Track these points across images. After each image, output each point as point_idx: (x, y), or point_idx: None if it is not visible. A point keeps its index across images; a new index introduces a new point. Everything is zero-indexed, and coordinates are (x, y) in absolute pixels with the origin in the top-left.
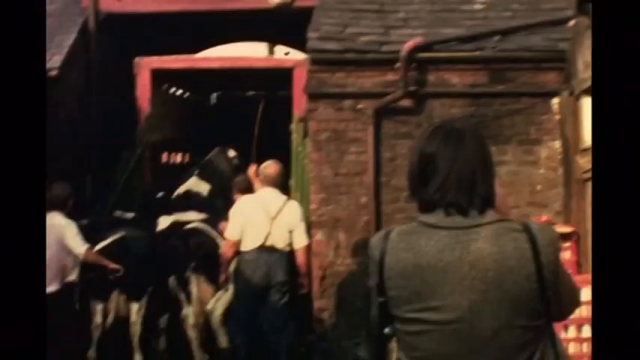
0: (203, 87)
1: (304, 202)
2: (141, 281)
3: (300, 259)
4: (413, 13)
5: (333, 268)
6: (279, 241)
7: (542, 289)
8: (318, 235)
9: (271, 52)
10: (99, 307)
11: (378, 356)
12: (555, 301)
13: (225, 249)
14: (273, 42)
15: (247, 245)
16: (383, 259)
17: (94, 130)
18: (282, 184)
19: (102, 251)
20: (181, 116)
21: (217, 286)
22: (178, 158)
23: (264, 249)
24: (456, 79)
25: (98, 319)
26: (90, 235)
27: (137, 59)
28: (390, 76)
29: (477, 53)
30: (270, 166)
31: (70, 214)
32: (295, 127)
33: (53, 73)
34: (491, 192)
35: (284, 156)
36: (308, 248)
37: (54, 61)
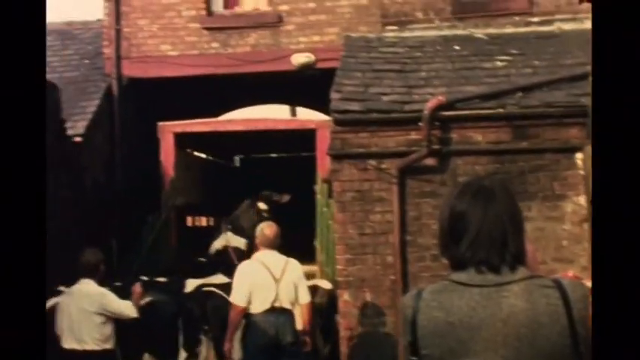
0: (226, 149)
1: (330, 262)
2: (168, 343)
3: (304, 316)
4: (434, 72)
5: (360, 329)
6: (286, 301)
7: (576, 345)
8: (345, 296)
9: (293, 113)
10: None
11: None
12: (589, 356)
13: (232, 315)
14: (295, 104)
15: (256, 308)
16: (415, 317)
17: (119, 194)
18: (279, 244)
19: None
20: (205, 179)
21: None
22: (203, 221)
23: (273, 311)
24: (479, 137)
25: None
26: (121, 297)
27: (160, 123)
28: (414, 135)
29: (500, 110)
30: (268, 228)
31: (102, 281)
32: (319, 188)
33: (78, 138)
34: (521, 248)
35: (308, 217)
36: (311, 305)
37: (79, 127)
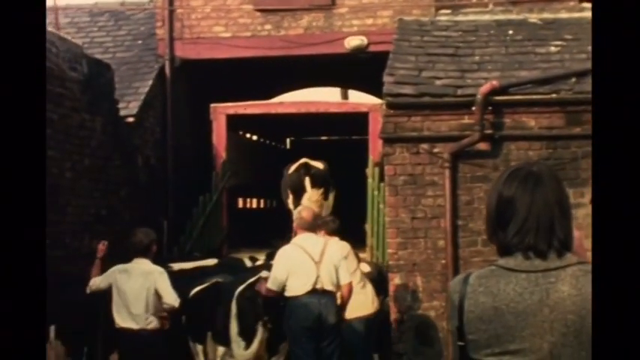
0: (277, 132)
1: (380, 246)
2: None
3: (344, 296)
4: (488, 57)
5: (411, 312)
6: (328, 283)
7: None
8: (396, 279)
9: (345, 96)
10: (199, 348)
11: None
12: None
13: (264, 292)
14: (347, 87)
15: (298, 290)
16: (462, 302)
17: (170, 175)
18: (315, 227)
19: (197, 294)
20: (256, 161)
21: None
22: (254, 203)
23: (315, 292)
24: (532, 122)
25: (201, 358)
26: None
27: (213, 105)
28: (466, 120)
29: (553, 95)
30: (305, 211)
31: (154, 260)
32: (370, 172)
33: (130, 119)
34: (569, 235)
35: (359, 201)
36: (350, 285)
37: (131, 107)
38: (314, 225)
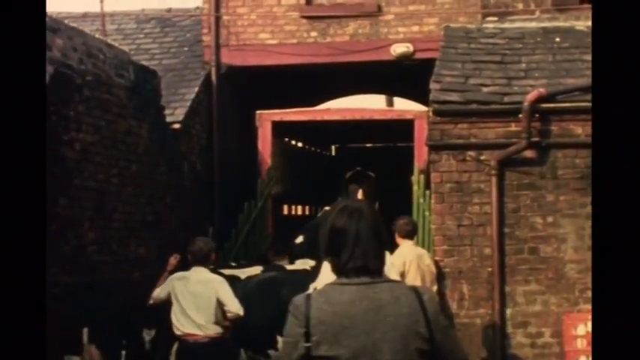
0: (323, 139)
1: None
2: None
3: None
4: (534, 64)
5: (457, 320)
6: None
7: (430, 333)
8: (442, 287)
9: (391, 103)
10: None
11: None
12: (441, 344)
13: None
14: (393, 94)
15: None
16: (308, 313)
17: (216, 181)
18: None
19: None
20: (302, 168)
21: None
22: (299, 210)
23: None
24: (579, 130)
25: None
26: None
27: (259, 112)
28: (513, 127)
29: None
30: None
31: (213, 269)
32: (416, 179)
33: (177, 125)
34: (383, 257)
35: (404, 208)
36: None
37: (177, 114)
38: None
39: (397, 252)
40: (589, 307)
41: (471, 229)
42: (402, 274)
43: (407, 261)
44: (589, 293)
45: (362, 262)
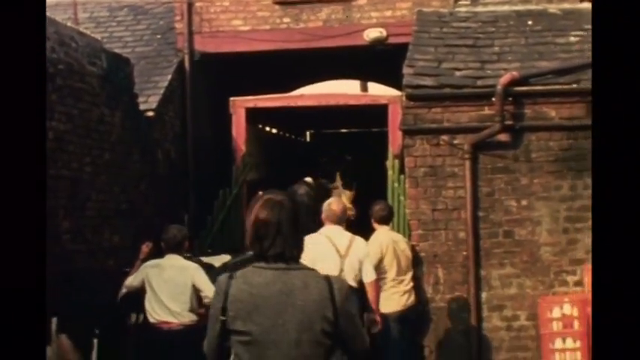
0: (297, 125)
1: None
2: None
3: (371, 293)
4: (507, 47)
5: (432, 304)
6: (351, 279)
7: (336, 319)
8: (417, 271)
9: (365, 88)
10: None
11: None
12: (345, 329)
13: None
14: (367, 79)
15: None
16: (227, 290)
17: (190, 169)
18: (345, 221)
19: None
20: (277, 154)
21: None
22: None
23: None
24: (552, 112)
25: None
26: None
27: (232, 98)
28: (487, 111)
29: (574, 86)
30: (335, 203)
31: (188, 257)
32: (391, 164)
33: (150, 113)
34: (301, 246)
35: (379, 193)
36: (376, 283)
37: (151, 101)
38: (342, 219)
39: (373, 237)
40: (564, 289)
41: (446, 213)
42: (380, 259)
43: (383, 246)
44: (564, 276)
45: (281, 249)
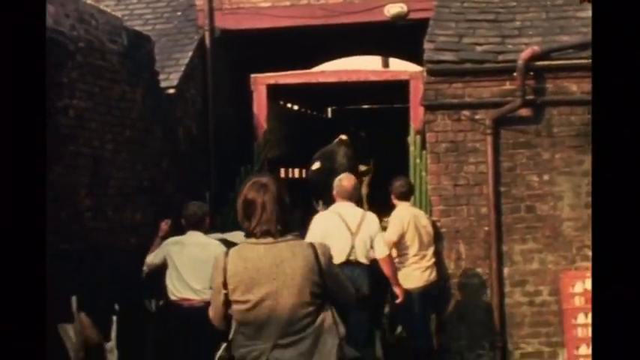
0: (318, 101)
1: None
2: None
3: (387, 269)
4: (528, 22)
5: (454, 280)
6: (362, 256)
7: (323, 280)
8: (439, 246)
9: (386, 64)
10: None
11: (228, 327)
12: (332, 287)
13: None
14: (388, 55)
15: None
16: (226, 266)
17: (212, 146)
18: (358, 196)
19: None
20: (298, 131)
21: None
22: (296, 173)
23: (348, 263)
24: (574, 87)
25: None
26: None
27: (253, 75)
28: (508, 86)
29: None
30: (346, 180)
31: (207, 233)
32: (412, 140)
33: (171, 90)
34: (287, 221)
35: (401, 169)
36: (389, 258)
37: (172, 79)
38: (353, 195)
39: (394, 213)
40: (587, 264)
41: (467, 188)
42: (402, 235)
43: (405, 222)
44: (586, 251)
45: (266, 226)
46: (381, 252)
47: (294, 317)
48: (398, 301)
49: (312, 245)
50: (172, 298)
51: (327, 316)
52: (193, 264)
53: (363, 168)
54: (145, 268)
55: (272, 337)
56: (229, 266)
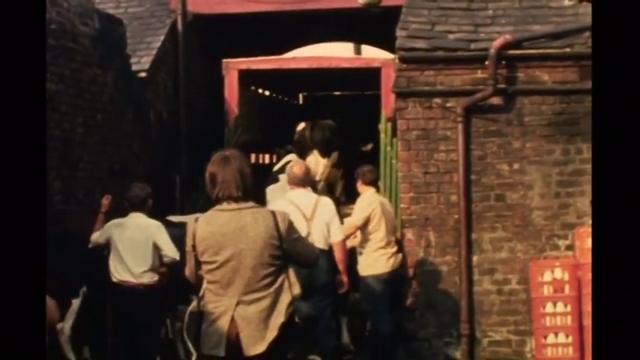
0: (290, 87)
1: (394, 201)
2: None
3: (338, 254)
4: (501, 11)
5: (423, 267)
6: (319, 242)
7: (281, 243)
8: (409, 234)
9: (358, 51)
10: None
11: (199, 284)
12: (291, 251)
13: None
14: (360, 41)
15: None
16: (195, 231)
17: (182, 130)
18: (310, 183)
19: None
20: (269, 117)
21: None
22: (266, 159)
23: None
24: (546, 77)
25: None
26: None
27: (225, 60)
28: (480, 74)
29: (567, 50)
30: (297, 166)
31: (150, 215)
32: (383, 127)
33: (142, 74)
34: (249, 189)
35: (372, 156)
36: (344, 243)
37: (143, 62)
38: (306, 181)
39: (361, 198)
40: (556, 253)
41: (438, 176)
42: (367, 220)
43: (373, 206)
44: (556, 240)
45: (228, 192)
46: (335, 236)
47: (255, 276)
48: (342, 291)
49: (272, 212)
50: (114, 279)
51: (286, 278)
52: (133, 246)
53: (368, 147)
54: (90, 245)
55: (236, 294)
56: (198, 231)
